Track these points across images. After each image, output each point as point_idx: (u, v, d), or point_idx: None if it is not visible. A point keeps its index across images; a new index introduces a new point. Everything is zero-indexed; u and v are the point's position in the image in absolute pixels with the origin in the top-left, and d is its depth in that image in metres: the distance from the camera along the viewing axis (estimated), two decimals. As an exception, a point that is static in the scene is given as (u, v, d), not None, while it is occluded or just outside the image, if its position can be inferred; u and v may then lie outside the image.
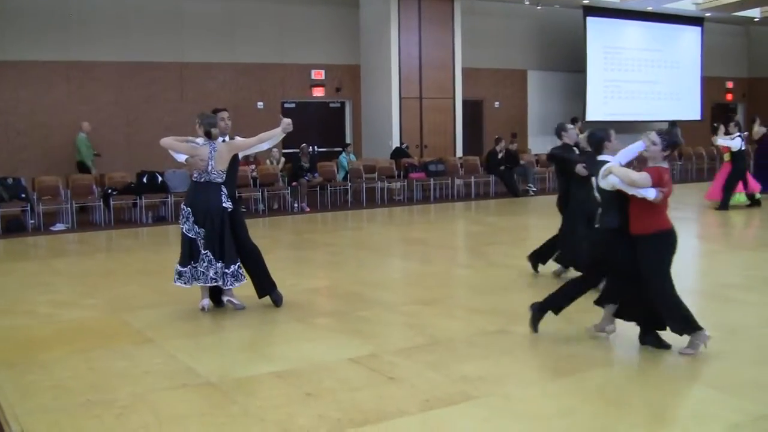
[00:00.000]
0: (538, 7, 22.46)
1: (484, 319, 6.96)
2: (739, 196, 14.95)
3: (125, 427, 4.57)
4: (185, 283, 7.22)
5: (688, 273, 7.64)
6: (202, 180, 7.20)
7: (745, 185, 14.96)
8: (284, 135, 7.41)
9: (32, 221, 14.07)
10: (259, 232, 13.71)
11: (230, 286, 7.24)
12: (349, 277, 9.40)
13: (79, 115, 16.80)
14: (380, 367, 5.56)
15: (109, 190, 14.92)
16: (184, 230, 7.20)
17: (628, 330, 6.52)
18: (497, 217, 15.40)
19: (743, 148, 14.89)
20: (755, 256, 10.36)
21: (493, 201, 18.14)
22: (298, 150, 17.08)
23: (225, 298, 7.39)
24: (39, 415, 4.80)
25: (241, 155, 7.62)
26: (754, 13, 24.17)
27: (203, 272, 7.13)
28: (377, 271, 9.94)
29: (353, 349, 6.04)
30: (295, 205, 16.45)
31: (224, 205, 7.21)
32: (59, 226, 14.20)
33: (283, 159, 17.23)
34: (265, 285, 7.51)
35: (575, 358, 5.79)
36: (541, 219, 14.72)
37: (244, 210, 14.94)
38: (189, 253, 7.18)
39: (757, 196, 15.16)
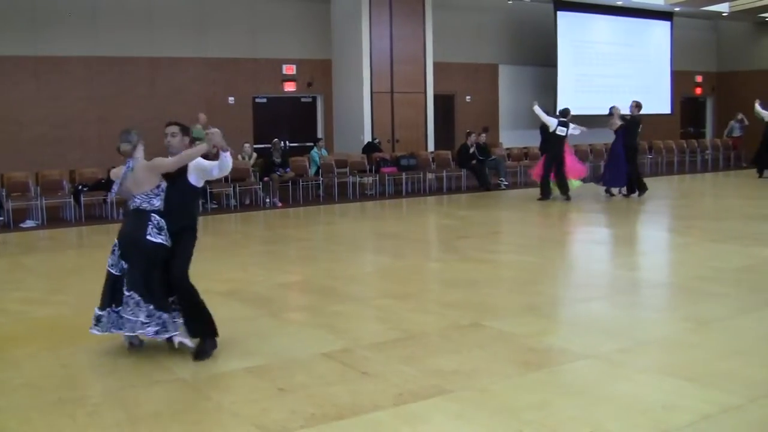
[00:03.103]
0: (509, 2, 22.57)
1: (457, 313, 6.98)
2: (573, 181, 15.79)
3: (98, 424, 4.55)
4: (101, 331, 5.79)
5: (659, 264, 7.70)
6: (131, 207, 5.91)
7: (558, 171, 15.64)
8: (211, 150, 5.80)
9: (1, 218, 13.91)
10: (231, 227, 13.70)
11: (177, 334, 5.85)
12: (321, 271, 9.38)
13: (49, 110, 16.66)
14: (353, 362, 5.57)
15: (80, 186, 14.77)
16: (107, 265, 5.94)
17: (600, 322, 6.59)
18: (469, 211, 15.44)
19: (558, 133, 15.82)
20: (723, 248, 10.44)
21: (464, 195, 18.21)
22: (269, 145, 17.03)
23: (177, 340, 5.88)
24: (10, 413, 4.76)
25: (201, 180, 6.03)
26: (723, 7, 24.42)
27: (129, 318, 5.68)
28: (350, 266, 9.93)
29: (326, 344, 6.04)
30: (267, 200, 16.40)
31: (149, 238, 5.75)
32: (29, 223, 14.07)
33: (254, 154, 17.17)
34: (198, 328, 5.89)
35: (548, 351, 5.84)
36: (513, 212, 14.85)
37: (215, 206, 14.92)
38: (111, 295, 5.80)
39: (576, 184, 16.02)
